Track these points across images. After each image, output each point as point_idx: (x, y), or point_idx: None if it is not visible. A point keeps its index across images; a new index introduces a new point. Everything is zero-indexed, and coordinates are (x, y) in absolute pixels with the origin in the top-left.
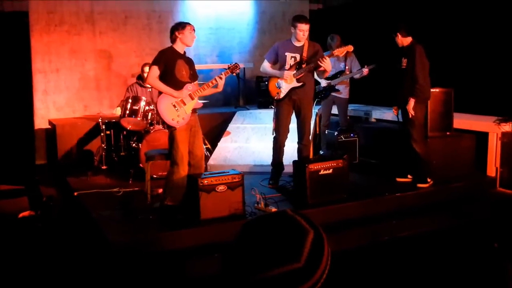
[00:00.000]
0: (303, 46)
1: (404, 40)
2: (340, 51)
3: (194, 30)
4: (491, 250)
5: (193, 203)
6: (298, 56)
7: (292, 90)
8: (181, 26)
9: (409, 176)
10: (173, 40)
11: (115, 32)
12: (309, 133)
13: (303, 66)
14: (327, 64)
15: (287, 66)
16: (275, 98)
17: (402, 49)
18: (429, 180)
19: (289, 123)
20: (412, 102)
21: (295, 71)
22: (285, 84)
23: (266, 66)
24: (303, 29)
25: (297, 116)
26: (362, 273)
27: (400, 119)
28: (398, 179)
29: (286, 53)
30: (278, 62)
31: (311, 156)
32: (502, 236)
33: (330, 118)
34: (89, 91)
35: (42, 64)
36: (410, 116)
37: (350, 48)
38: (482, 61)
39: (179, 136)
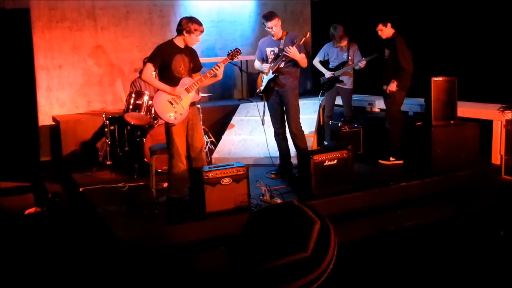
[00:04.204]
0: (280, 38)
1: (389, 31)
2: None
3: (202, 33)
4: (497, 237)
5: (198, 197)
6: (276, 49)
7: (270, 81)
8: (193, 28)
9: (391, 159)
10: (179, 32)
11: (117, 27)
12: (296, 121)
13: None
14: (293, 53)
15: (269, 60)
16: (257, 90)
17: (386, 40)
18: (392, 159)
19: (280, 114)
20: (394, 84)
21: (272, 64)
22: (265, 77)
23: (256, 64)
24: (269, 25)
25: (283, 105)
26: (368, 263)
27: None
28: (381, 161)
29: (266, 49)
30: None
31: (310, 145)
32: (508, 224)
33: (334, 109)
34: (92, 86)
35: (45, 60)
36: (388, 92)
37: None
38: (486, 49)
39: (175, 130)
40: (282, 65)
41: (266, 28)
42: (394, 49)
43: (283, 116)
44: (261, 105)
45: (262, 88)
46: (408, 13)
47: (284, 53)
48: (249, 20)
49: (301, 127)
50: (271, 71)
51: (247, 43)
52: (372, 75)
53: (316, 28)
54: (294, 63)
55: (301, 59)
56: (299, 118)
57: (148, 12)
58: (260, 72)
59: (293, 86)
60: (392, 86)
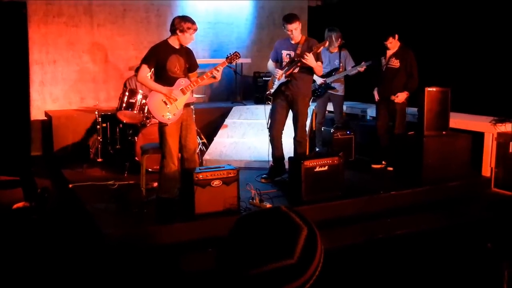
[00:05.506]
0: (298, 43)
1: (397, 42)
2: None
3: (196, 31)
4: (485, 250)
5: (188, 198)
6: (292, 53)
7: (282, 85)
8: (185, 26)
9: (383, 162)
10: (172, 32)
11: (113, 25)
12: (302, 129)
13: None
14: (309, 60)
15: (284, 63)
16: (267, 92)
17: (386, 49)
18: (384, 162)
19: (284, 119)
20: (406, 96)
21: (286, 68)
22: (277, 80)
23: (269, 64)
24: (289, 28)
25: (292, 111)
26: (356, 270)
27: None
28: (374, 166)
29: (282, 51)
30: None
31: (307, 153)
32: (496, 237)
33: (326, 115)
34: (86, 83)
35: (39, 55)
36: (400, 102)
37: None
38: (479, 61)
39: (168, 130)
40: (296, 70)
41: (285, 31)
42: (408, 62)
43: (285, 121)
44: (269, 108)
45: (272, 90)
46: (404, 23)
47: (301, 59)
48: (246, 22)
49: (306, 135)
50: (283, 75)
51: (243, 45)
52: (365, 83)
53: (312, 33)
54: (308, 69)
55: (317, 67)
56: (306, 126)
57: (145, 11)
58: (272, 75)
59: (306, 93)
60: (403, 97)
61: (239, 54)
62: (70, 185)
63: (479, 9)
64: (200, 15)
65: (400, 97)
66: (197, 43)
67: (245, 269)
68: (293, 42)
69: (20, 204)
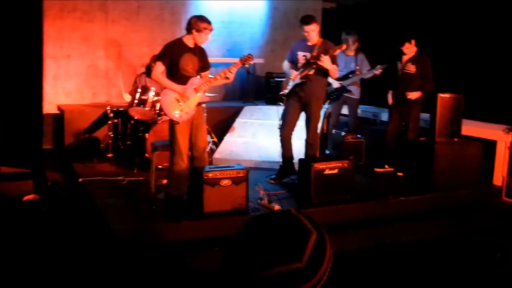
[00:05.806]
0: (315, 45)
1: (414, 48)
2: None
3: (211, 31)
4: (494, 260)
5: (196, 196)
6: (308, 55)
7: (296, 87)
8: (202, 26)
9: (386, 166)
10: (188, 31)
11: (127, 21)
12: (315, 131)
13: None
14: (326, 62)
15: (299, 65)
16: (280, 93)
17: (402, 53)
18: (386, 166)
19: (295, 120)
20: (419, 95)
21: (301, 69)
22: (291, 81)
23: (285, 64)
24: (306, 30)
25: (305, 113)
26: (363, 275)
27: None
28: (377, 169)
29: (298, 52)
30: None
31: (317, 155)
32: (505, 247)
33: (340, 118)
34: (99, 78)
35: (53, 49)
36: (413, 99)
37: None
38: (493, 68)
39: (179, 128)
40: (311, 72)
41: (302, 32)
42: (424, 67)
43: (296, 123)
44: (282, 109)
45: (286, 91)
46: (419, 29)
47: (317, 61)
48: (260, 23)
49: (318, 137)
50: (298, 77)
51: (256, 46)
52: (378, 87)
53: (325, 35)
54: (323, 72)
55: (332, 69)
56: (318, 128)
57: (160, 9)
58: (287, 75)
59: (320, 95)
60: (415, 95)
61: (252, 56)
62: (80, 179)
63: (493, 17)
64: (214, 14)
65: (415, 94)
66: (210, 42)
67: (252, 270)
68: (309, 43)
69: (30, 197)
